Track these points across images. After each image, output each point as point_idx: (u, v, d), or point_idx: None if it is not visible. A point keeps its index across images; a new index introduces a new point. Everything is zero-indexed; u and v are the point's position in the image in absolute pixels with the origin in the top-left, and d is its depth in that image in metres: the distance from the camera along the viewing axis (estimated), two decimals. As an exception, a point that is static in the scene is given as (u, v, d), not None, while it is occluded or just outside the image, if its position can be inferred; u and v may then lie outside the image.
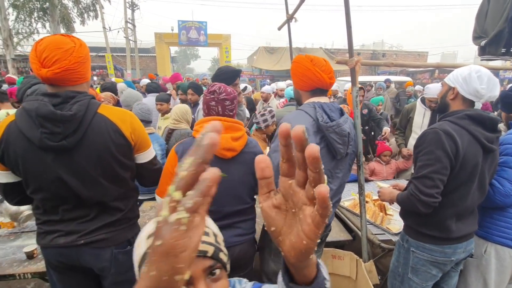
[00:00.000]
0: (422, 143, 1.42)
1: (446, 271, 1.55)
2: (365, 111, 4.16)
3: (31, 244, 1.79)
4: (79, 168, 1.21)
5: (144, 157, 1.40)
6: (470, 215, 1.50)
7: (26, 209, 1.88)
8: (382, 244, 1.89)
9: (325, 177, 0.33)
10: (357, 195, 2.35)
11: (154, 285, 0.28)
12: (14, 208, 1.83)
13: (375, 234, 2.03)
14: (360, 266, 1.87)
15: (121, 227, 1.37)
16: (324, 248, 1.92)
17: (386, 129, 3.93)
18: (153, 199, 2.92)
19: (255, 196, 1.62)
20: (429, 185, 1.34)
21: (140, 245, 0.57)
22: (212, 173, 0.28)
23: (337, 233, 2.14)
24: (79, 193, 1.23)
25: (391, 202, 1.70)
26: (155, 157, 1.48)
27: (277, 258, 1.70)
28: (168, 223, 0.27)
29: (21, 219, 1.86)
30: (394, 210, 2.30)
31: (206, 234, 0.57)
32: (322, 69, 1.47)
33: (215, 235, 0.59)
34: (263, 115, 2.94)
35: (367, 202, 2.37)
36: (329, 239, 2.01)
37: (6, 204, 1.84)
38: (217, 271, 0.57)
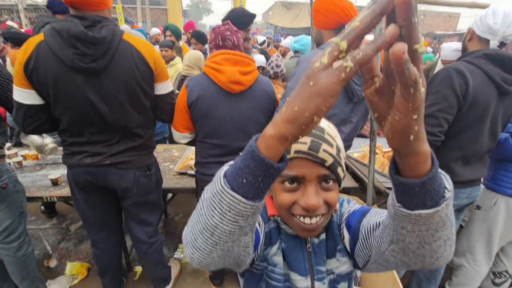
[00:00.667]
0: (432, 83, 1.38)
1: None
2: None
3: (55, 173, 1.92)
4: (107, 92, 1.25)
5: (163, 88, 1.43)
6: (478, 162, 1.48)
7: (50, 142, 1.98)
8: (388, 191, 1.92)
9: (420, 37, 0.28)
10: (367, 147, 2.33)
11: (294, 117, 0.32)
12: (39, 140, 1.93)
13: (382, 182, 2.06)
14: (363, 210, 1.94)
15: (142, 153, 1.46)
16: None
17: None
18: (164, 140, 3.01)
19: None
20: (433, 124, 1.33)
21: None
22: (392, 29, 0.27)
23: (344, 181, 2.18)
24: (105, 116, 1.28)
25: None
26: (173, 92, 1.52)
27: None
28: (330, 68, 0.29)
29: (47, 151, 1.97)
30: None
31: (330, 145, 0.55)
32: (349, 6, 1.40)
33: (338, 149, 0.57)
34: (278, 65, 2.86)
35: (376, 153, 2.37)
36: (335, 185, 2.07)
37: (31, 137, 1.93)
38: (331, 182, 0.57)
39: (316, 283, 0.64)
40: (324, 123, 0.59)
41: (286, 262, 0.64)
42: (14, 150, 2.31)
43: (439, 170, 0.37)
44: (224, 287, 2.06)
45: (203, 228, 0.39)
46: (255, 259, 0.62)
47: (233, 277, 2.12)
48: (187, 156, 2.22)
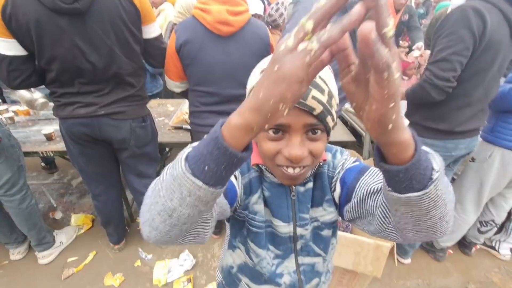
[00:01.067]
0: (445, 25, 1.26)
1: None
2: (406, 17, 3.54)
3: (48, 128, 1.89)
4: (94, 35, 1.19)
5: (151, 31, 1.37)
6: (480, 111, 1.43)
7: (40, 97, 1.92)
8: (385, 144, 1.91)
9: (391, 19, 0.25)
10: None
11: (259, 105, 0.30)
12: (28, 95, 1.87)
13: (379, 136, 2.05)
14: (359, 163, 1.96)
15: (136, 103, 1.44)
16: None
17: (419, 44, 3.34)
18: (159, 95, 2.92)
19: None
20: (446, 68, 1.24)
21: (253, 77, 0.53)
22: (358, 9, 0.26)
23: (341, 134, 2.17)
24: (94, 63, 1.23)
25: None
26: (161, 35, 1.45)
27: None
28: (294, 51, 0.28)
29: (38, 106, 1.92)
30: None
31: (321, 91, 0.49)
32: None
33: (330, 96, 0.51)
34: (281, 14, 2.64)
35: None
36: (331, 139, 2.05)
37: (20, 92, 1.87)
38: (318, 132, 0.52)
39: (298, 229, 0.65)
40: None
41: (269, 209, 0.64)
42: (5, 106, 2.26)
43: (426, 150, 0.36)
44: (222, 235, 2.17)
45: (161, 209, 0.37)
46: (237, 207, 0.63)
47: (231, 226, 2.23)
48: (182, 110, 2.18)
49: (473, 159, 1.72)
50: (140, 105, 1.49)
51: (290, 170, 0.53)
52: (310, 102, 0.48)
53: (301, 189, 0.65)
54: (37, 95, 1.93)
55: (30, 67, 1.23)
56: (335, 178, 0.65)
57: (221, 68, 1.38)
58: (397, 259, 1.99)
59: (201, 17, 1.33)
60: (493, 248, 2.08)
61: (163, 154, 2.40)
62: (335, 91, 0.53)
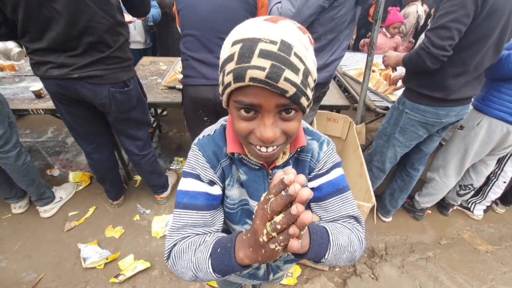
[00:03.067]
0: None
1: (432, 132, 1.63)
2: None
3: (36, 85, 1.83)
4: None
5: None
6: (475, 80, 1.43)
7: (14, 46, 1.83)
8: (378, 109, 1.93)
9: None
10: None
11: (253, 258, 0.48)
12: (1, 45, 1.77)
13: (373, 100, 2.05)
14: (351, 128, 1.99)
15: (114, 66, 1.36)
16: (319, 111, 1.99)
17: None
18: (151, 51, 2.80)
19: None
20: (444, 36, 1.21)
21: (225, 49, 0.50)
22: (298, 208, 0.37)
23: (336, 99, 2.16)
24: (61, 11, 1.14)
25: (395, 66, 1.61)
26: None
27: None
28: (268, 246, 0.42)
29: (14, 56, 1.84)
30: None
31: (295, 70, 0.45)
32: None
33: (305, 74, 0.48)
34: None
35: (373, 71, 2.28)
36: (326, 103, 2.05)
37: None
38: (292, 112, 0.51)
39: None
40: (295, 35, 0.47)
41: (247, 191, 0.66)
42: (-13, 60, 2.15)
43: (321, 243, 0.55)
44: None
45: (188, 273, 0.56)
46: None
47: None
48: (175, 70, 2.11)
49: (461, 127, 1.76)
50: (120, 68, 1.39)
51: (263, 149, 0.54)
52: (282, 84, 0.45)
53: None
54: (11, 44, 1.85)
55: None
56: (314, 173, 0.67)
57: (218, 8, 1.32)
58: (379, 217, 2.14)
59: None
60: (468, 209, 2.24)
61: (157, 115, 2.39)
62: (312, 67, 0.50)
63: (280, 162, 0.63)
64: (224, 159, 0.64)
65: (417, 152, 1.81)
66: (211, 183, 0.63)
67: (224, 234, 0.59)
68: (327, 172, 0.67)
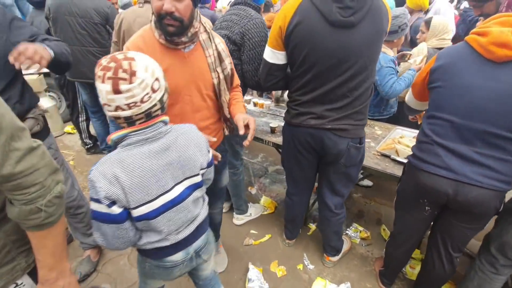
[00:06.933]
0: None
1: None
2: None
3: (273, 122, 2.28)
4: (353, 47, 1.25)
5: None
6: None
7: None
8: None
9: None
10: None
11: None
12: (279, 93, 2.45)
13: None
14: None
15: (358, 122, 1.44)
16: None
17: None
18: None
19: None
20: None
21: None
22: None
23: None
24: (343, 76, 1.31)
25: None
26: None
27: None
28: None
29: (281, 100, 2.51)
30: None
31: None
32: None
33: None
34: None
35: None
36: None
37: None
38: None
39: None
40: None
41: None
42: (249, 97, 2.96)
43: None
44: (394, 291, 1.84)
45: None
46: None
47: (404, 279, 1.84)
48: (393, 138, 1.99)
49: None
50: (362, 125, 1.47)
51: None
52: None
53: None
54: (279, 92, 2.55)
55: (282, 73, 1.47)
56: None
57: (479, 94, 1.11)
58: None
59: (473, 40, 1.12)
60: None
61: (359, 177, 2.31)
62: None
63: None
64: None
65: None
66: None
67: None
68: None
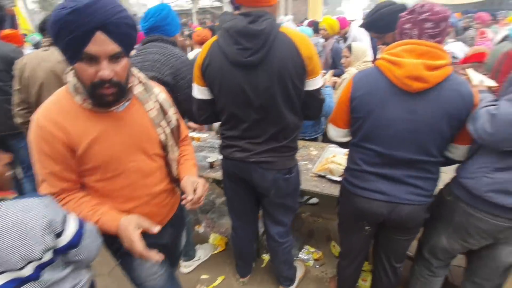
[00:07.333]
0: None
1: None
2: None
3: (211, 156, 2.21)
4: (260, 86, 1.25)
5: (313, 84, 1.33)
6: None
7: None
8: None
9: None
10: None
11: None
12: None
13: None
14: None
15: (284, 154, 1.43)
16: None
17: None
18: (315, 139, 2.88)
19: (447, 153, 1.28)
20: None
21: None
22: None
23: None
24: (258, 114, 1.31)
25: None
26: (320, 87, 1.39)
27: (454, 235, 1.36)
28: None
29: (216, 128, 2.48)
30: None
31: None
32: None
33: None
34: None
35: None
36: None
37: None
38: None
39: None
40: None
41: None
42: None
43: None
44: None
45: None
46: None
47: (362, 302, 1.87)
48: (327, 158, 2.08)
49: None
50: (288, 156, 1.47)
51: None
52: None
53: None
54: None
55: (211, 107, 1.44)
56: None
57: (401, 127, 1.19)
58: None
59: (387, 70, 1.18)
60: None
61: (302, 201, 2.34)
62: None
63: None
64: None
65: None
66: None
67: None
68: None
